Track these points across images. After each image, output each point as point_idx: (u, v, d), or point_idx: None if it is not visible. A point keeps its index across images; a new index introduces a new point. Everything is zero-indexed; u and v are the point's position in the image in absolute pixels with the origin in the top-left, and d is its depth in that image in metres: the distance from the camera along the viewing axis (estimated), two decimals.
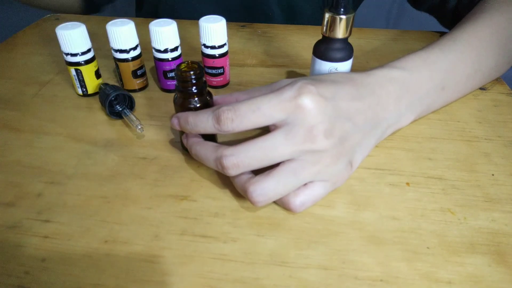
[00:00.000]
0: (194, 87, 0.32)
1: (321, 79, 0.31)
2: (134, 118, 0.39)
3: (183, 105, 0.33)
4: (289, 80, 0.31)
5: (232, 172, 0.29)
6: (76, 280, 0.26)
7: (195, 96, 0.33)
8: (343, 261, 0.27)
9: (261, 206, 0.30)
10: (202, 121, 0.30)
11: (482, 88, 0.45)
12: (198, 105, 0.33)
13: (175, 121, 0.32)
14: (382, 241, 0.29)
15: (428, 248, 0.28)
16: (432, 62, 0.36)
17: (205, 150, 0.30)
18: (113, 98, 0.39)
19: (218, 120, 0.28)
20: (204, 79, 0.33)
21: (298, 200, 0.29)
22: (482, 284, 0.26)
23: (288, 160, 0.28)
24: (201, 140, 0.32)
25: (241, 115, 0.28)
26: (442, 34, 0.58)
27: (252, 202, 0.29)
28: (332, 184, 0.31)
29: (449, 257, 0.28)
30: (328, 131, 0.28)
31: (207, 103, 0.34)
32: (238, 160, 0.28)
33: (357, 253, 0.28)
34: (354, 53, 0.39)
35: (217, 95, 0.35)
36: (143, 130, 0.38)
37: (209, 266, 0.27)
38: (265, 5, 0.62)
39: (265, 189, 0.28)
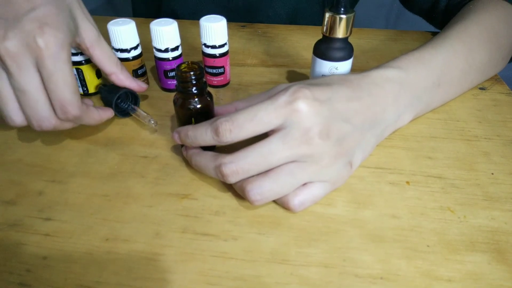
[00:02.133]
0: (194, 88, 0.32)
1: (315, 83, 0.31)
2: (144, 114, 0.38)
3: (183, 106, 0.33)
4: (285, 85, 0.32)
5: (232, 179, 0.29)
6: (77, 277, 0.26)
7: (195, 97, 0.33)
8: (343, 259, 0.27)
9: (258, 205, 0.30)
10: (201, 134, 0.30)
11: (481, 88, 0.46)
12: (198, 106, 0.33)
13: (175, 135, 0.33)
14: (382, 239, 0.29)
15: (428, 246, 0.28)
16: (426, 60, 0.37)
17: (204, 160, 0.31)
18: (117, 100, 0.39)
19: (216, 132, 0.29)
20: (204, 79, 0.33)
21: (297, 200, 0.30)
22: (481, 281, 0.26)
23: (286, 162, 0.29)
24: (200, 150, 0.33)
25: (238, 125, 0.28)
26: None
27: (249, 201, 0.29)
28: (332, 185, 0.31)
29: (449, 255, 0.28)
30: (324, 133, 0.29)
31: (207, 104, 0.34)
32: (237, 167, 0.28)
33: (357, 251, 0.28)
34: (354, 53, 0.39)
35: (217, 106, 0.36)
36: (156, 125, 0.38)
37: (210, 264, 0.27)
38: (269, 7, 0.62)
39: (262, 189, 0.28)
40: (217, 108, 0.36)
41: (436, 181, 0.34)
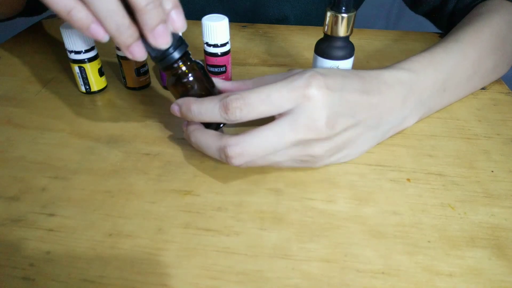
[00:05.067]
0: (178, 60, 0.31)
1: (330, 72, 0.31)
2: None
3: (176, 84, 0.32)
4: (300, 70, 0.32)
5: (236, 162, 0.29)
6: (80, 272, 0.26)
7: (182, 67, 0.32)
8: (345, 254, 0.28)
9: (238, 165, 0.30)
10: (207, 109, 0.30)
11: (481, 88, 0.46)
12: (191, 79, 0.32)
13: (175, 108, 0.32)
14: (383, 235, 0.29)
15: (429, 242, 0.29)
16: (436, 63, 0.37)
17: (206, 139, 0.30)
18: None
19: (226, 108, 0.28)
20: (185, 49, 0.32)
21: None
22: (482, 276, 0.26)
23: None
24: (202, 127, 0.32)
25: (250, 104, 0.28)
26: (441, 35, 0.59)
27: (231, 165, 0.30)
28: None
29: (450, 250, 0.28)
30: (331, 123, 0.29)
31: (199, 76, 0.32)
32: (243, 149, 0.28)
33: (359, 246, 0.28)
34: (355, 53, 0.39)
35: (228, 82, 0.35)
36: None
37: (213, 258, 0.27)
38: (277, 9, 0.62)
39: (251, 159, 0.29)
40: (226, 86, 0.35)
41: (437, 179, 0.34)
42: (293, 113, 0.29)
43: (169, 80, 0.33)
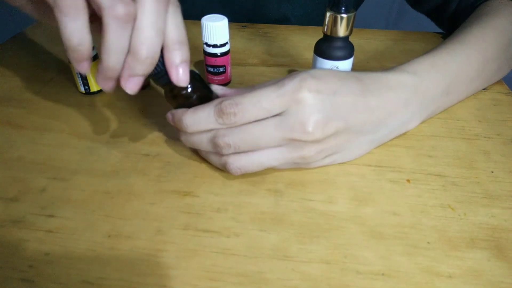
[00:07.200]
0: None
1: (326, 74, 0.31)
2: None
3: (175, 97, 0.32)
4: (295, 73, 0.32)
5: (224, 151, 0.31)
6: (80, 273, 0.26)
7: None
8: (345, 255, 0.28)
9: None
10: (203, 117, 0.30)
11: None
12: (189, 90, 0.32)
13: (169, 116, 0.33)
14: (383, 236, 0.29)
15: (428, 243, 0.29)
16: (440, 66, 0.36)
17: (211, 156, 0.33)
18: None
19: (222, 113, 0.29)
20: None
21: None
22: (482, 278, 0.26)
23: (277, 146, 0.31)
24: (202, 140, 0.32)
25: (243, 109, 0.29)
26: (442, 35, 0.59)
27: (230, 173, 0.32)
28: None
29: (450, 251, 0.28)
30: (320, 127, 0.29)
31: (197, 87, 0.32)
32: (230, 140, 0.30)
33: (358, 247, 0.28)
34: (355, 53, 0.39)
35: (227, 89, 0.35)
36: None
37: (212, 260, 0.27)
38: (277, 10, 0.62)
39: (242, 165, 0.31)
40: (224, 91, 0.34)
41: (437, 179, 0.34)
42: (281, 115, 0.29)
43: (167, 93, 0.33)
